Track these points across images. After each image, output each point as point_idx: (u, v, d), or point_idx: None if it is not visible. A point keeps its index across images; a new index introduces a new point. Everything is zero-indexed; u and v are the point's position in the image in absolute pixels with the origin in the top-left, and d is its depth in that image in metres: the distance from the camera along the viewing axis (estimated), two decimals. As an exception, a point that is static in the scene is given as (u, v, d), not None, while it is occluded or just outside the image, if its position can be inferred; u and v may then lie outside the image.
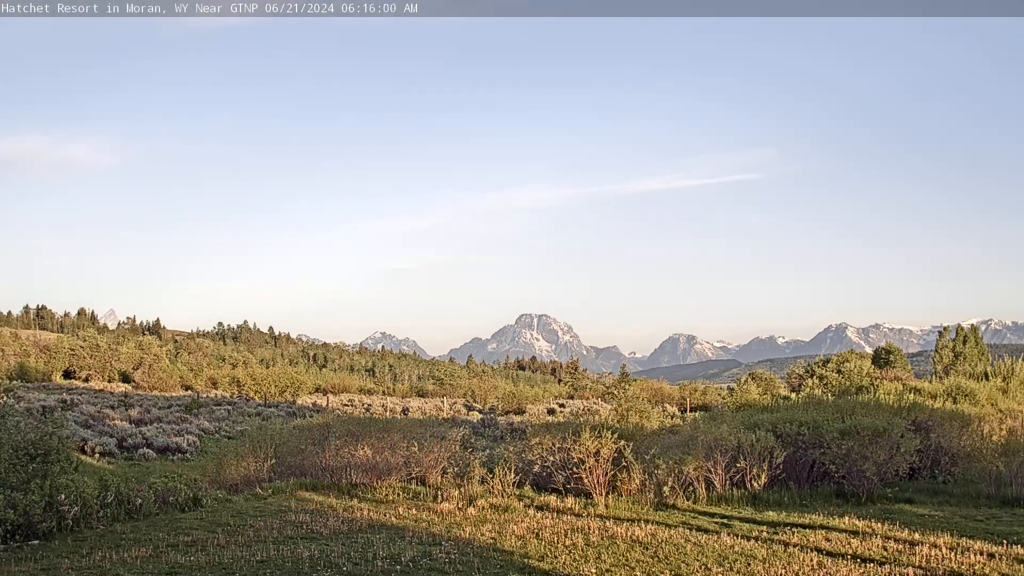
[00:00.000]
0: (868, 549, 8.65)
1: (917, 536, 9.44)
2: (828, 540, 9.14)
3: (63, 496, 9.76)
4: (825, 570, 7.62)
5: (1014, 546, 8.75)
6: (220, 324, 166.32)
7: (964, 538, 9.33)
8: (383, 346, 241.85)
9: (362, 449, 14.64)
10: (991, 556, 8.29)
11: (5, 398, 11.78)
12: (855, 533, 9.65)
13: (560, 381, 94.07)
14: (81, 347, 64.29)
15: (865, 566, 7.82)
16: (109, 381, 60.68)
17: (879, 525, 10.22)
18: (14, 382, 36.93)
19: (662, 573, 7.56)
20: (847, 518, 10.79)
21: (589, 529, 9.77)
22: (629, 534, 9.41)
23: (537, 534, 9.43)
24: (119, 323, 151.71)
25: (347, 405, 47.90)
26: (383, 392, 71.41)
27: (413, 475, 14.46)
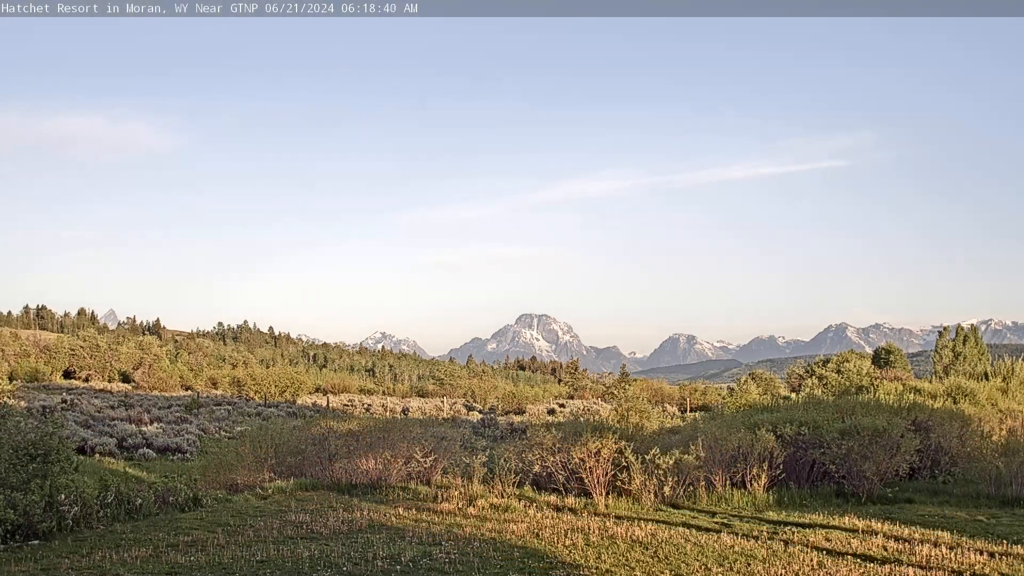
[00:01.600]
0: (868, 549, 8.66)
1: (917, 536, 9.45)
2: (828, 540, 9.14)
3: (63, 496, 9.75)
4: (825, 570, 7.62)
5: (1015, 546, 8.76)
6: (220, 324, 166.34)
7: (964, 538, 9.33)
8: (383, 346, 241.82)
9: (362, 449, 14.64)
10: (991, 556, 8.30)
11: (6, 399, 11.78)
12: (855, 533, 9.65)
13: (560, 381, 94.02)
14: (81, 347, 64.30)
15: (865, 566, 7.82)
16: (109, 381, 60.68)
17: (879, 525, 10.22)
18: (15, 382, 36.93)
19: (662, 573, 7.56)
20: (847, 518, 10.79)
21: (589, 529, 9.76)
22: (629, 534, 9.41)
23: (537, 534, 9.43)
24: (119, 323, 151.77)
25: (347, 405, 47.89)
26: (383, 392, 71.39)
27: (413, 475, 14.46)
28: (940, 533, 9.68)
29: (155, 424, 28.08)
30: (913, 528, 10.03)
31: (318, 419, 19.36)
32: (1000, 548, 8.69)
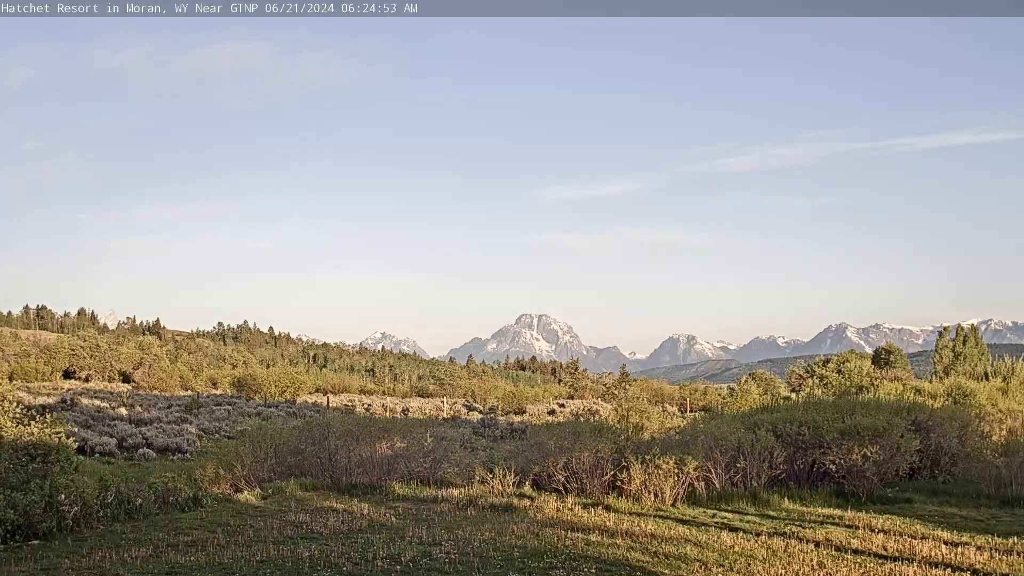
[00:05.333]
0: (868, 548, 8.66)
1: (918, 535, 9.45)
2: (828, 539, 9.14)
3: (63, 496, 9.75)
4: (826, 570, 7.62)
5: (1015, 545, 8.76)
6: (220, 324, 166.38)
7: (965, 537, 9.34)
8: (383, 346, 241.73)
9: (362, 449, 14.64)
10: (992, 555, 8.30)
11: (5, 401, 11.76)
12: (855, 532, 9.65)
13: (560, 381, 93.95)
14: (81, 347, 64.29)
15: (866, 565, 7.82)
16: (109, 381, 60.70)
17: (879, 524, 10.23)
18: (15, 382, 36.93)
19: (662, 573, 7.56)
20: (847, 518, 10.80)
21: (589, 529, 9.76)
22: (629, 534, 9.41)
23: (537, 534, 9.42)
24: (119, 323, 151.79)
25: (348, 404, 47.87)
26: (383, 392, 71.33)
27: (413, 475, 14.46)
28: (940, 532, 9.68)
29: (155, 424, 28.06)
30: (913, 527, 10.04)
31: (318, 419, 19.16)
32: (1001, 547, 8.70)
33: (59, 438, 10.51)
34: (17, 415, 10.49)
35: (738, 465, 13.35)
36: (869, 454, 13.01)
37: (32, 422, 10.50)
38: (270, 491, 13.33)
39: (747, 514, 11.58)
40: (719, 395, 51.85)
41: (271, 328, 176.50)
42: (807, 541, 9.03)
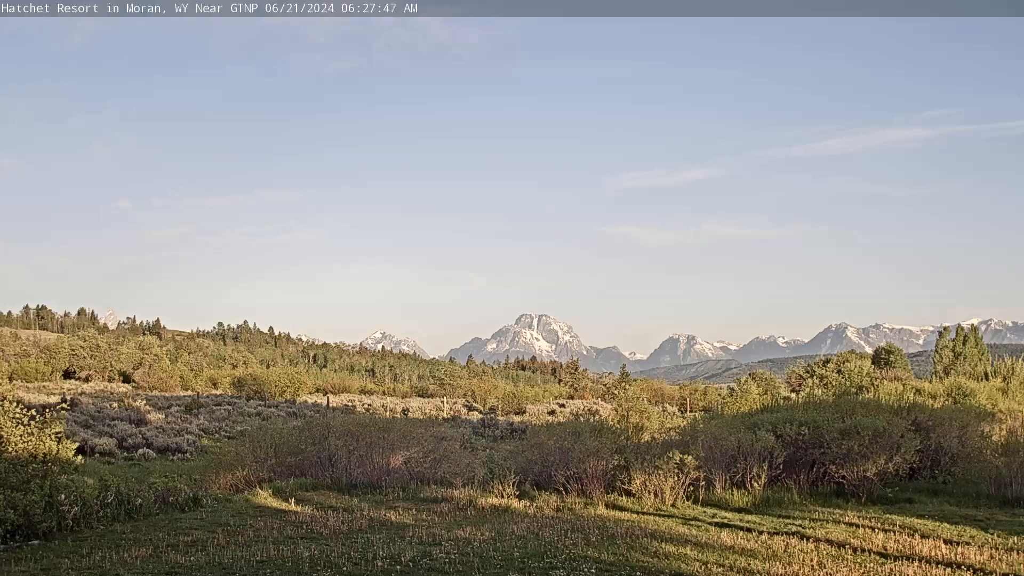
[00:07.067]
0: (868, 548, 8.66)
1: (918, 535, 9.45)
2: (828, 540, 9.14)
3: (63, 496, 9.76)
4: (826, 570, 7.62)
5: (1015, 545, 8.76)
6: (220, 324, 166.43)
7: (964, 536, 9.34)
8: (383, 346, 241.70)
9: (363, 449, 14.64)
10: (992, 555, 8.30)
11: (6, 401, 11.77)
12: (855, 532, 9.66)
13: (560, 381, 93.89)
14: (81, 347, 64.25)
15: (866, 565, 7.83)
16: (109, 381, 60.66)
17: (879, 524, 10.23)
18: (15, 382, 36.96)
19: (662, 573, 7.56)
20: (847, 518, 10.80)
21: (589, 529, 9.77)
22: (629, 534, 9.41)
23: (537, 534, 9.43)
24: (119, 323, 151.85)
25: (348, 404, 47.86)
26: (383, 392, 71.26)
27: (413, 475, 14.46)
28: (940, 532, 9.69)
29: (155, 424, 28.07)
30: (913, 527, 10.04)
31: (318, 419, 19.15)
32: (1001, 547, 8.70)
33: (59, 439, 10.52)
34: (17, 415, 10.49)
35: (738, 465, 13.35)
36: (869, 454, 13.01)
37: (32, 422, 10.49)
38: (270, 491, 13.34)
39: (747, 514, 11.58)
40: (719, 395, 51.81)
41: (271, 328, 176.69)
42: (807, 540, 9.03)
